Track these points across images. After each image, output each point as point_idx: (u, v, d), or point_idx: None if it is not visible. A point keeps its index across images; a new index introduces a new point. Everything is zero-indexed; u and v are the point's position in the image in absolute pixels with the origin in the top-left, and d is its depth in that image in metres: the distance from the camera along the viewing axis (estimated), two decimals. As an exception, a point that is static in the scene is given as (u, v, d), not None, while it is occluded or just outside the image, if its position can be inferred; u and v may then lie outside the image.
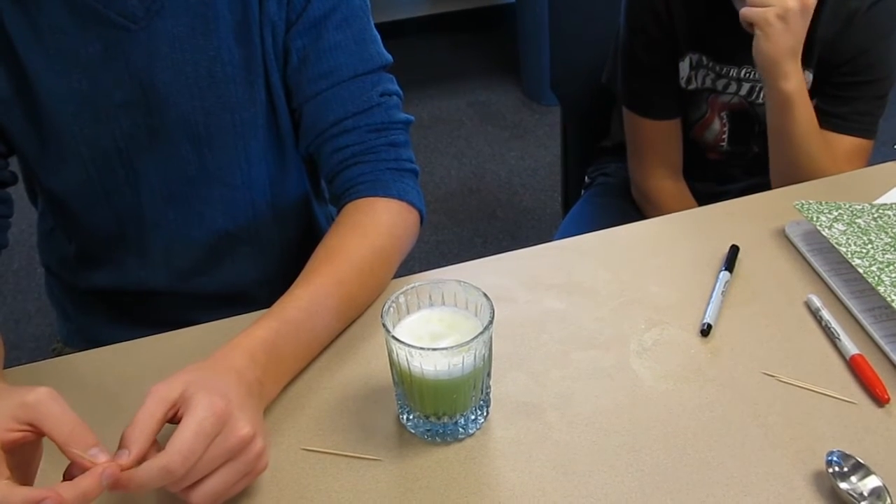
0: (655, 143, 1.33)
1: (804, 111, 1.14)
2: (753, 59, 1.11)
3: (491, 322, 0.68)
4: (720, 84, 1.26)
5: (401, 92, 0.97)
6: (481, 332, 0.67)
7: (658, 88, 1.29)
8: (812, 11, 1.06)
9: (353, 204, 0.92)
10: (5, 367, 0.79)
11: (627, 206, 1.42)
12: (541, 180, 2.75)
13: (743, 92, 1.25)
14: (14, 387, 0.62)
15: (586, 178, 1.60)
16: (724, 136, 1.32)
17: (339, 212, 0.94)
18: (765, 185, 1.21)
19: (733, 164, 1.36)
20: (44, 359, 0.87)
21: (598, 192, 1.52)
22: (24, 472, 0.62)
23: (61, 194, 0.99)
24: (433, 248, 2.45)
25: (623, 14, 1.29)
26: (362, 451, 0.73)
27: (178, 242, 1.02)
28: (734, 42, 1.20)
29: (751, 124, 1.29)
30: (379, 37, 0.96)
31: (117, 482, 0.58)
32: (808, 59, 1.18)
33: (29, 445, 0.61)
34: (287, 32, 0.92)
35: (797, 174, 1.14)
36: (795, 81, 1.11)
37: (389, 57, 0.97)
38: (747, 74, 1.23)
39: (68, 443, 0.57)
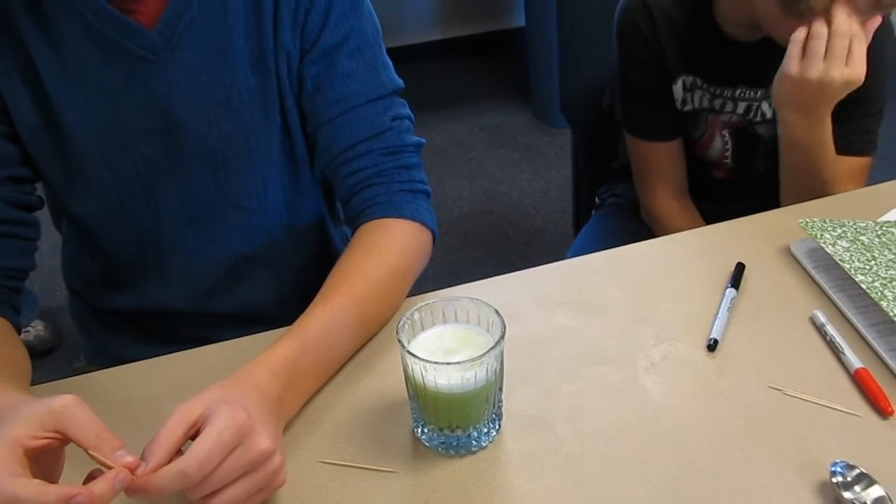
0: (658, 165, 1.35)
1: (816, 150, 1.16)
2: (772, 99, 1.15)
3: (502, 337, 0.71)
4: (717, 104, 1.28)
5: (412, 116, 1.00)
6: (493, 347, 0.70)
7: (655, 111, 1.32)
8: (852, 89, 1.08)
9: (367, 225, 0.95)
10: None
11: (638, 225, 1.44)
12: (552, 202, 2.78)
13: (740, 111, 1.28)
14: (38, 398, 0.65)
15: (597, 198, 1.62)
16: (728, 153, 1.34)
17: (353, 233, 0.96)
18: (773, 205, 1.22)
19: (740, 183, 1.38)
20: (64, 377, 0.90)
21: (609, 212, 1.54)
22: (47, 480, 0.64)
23: (85, 219, 1.02)
24: (446, 269, 2.48)
25: (615, 41, 1.32)
26: (378, 463, 0.75)
27: (197, 264, 1.05)
28: (726, 62, 1.23)
29: (753, 142, 1.31)
30: (390, 62, 1.00)
31: (136, 485, 0.60)
32: None
33: (52, 454, 0.63)
34: (301, 61, 0.95)
35: (806, 196, 1.16)
36: (807, 129, 1.14)
37: (401, 82, 1.00)
38: (742, 94, 1.26)
39: (96, 447, 0.59)
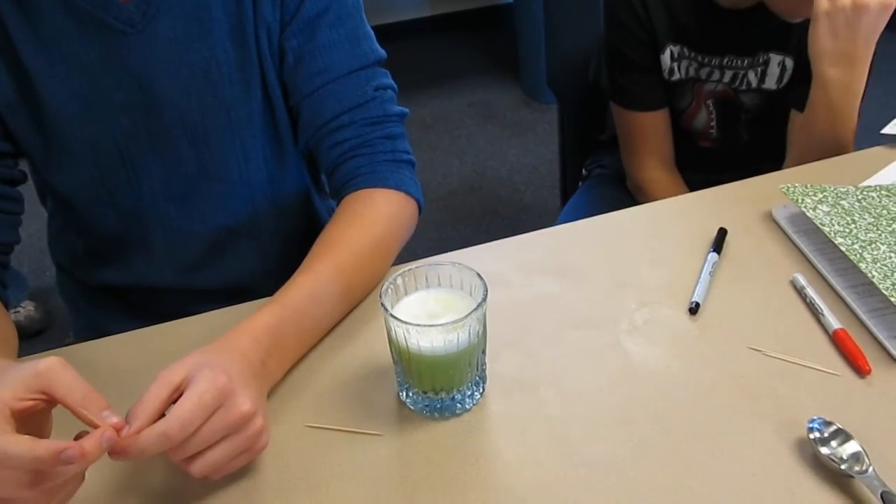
0: (645, 135, 1.36)
1: (842, 119, 1.14)
2: (808, 49, 1.11)
3: (484, 299, 0.72)
4: (703, 73, 1.29)
5: (395, 86, 1.00)
6: (475, 309, 0.70)
7: (642, 81, 1.32)
8: (888, 17, 1.04)
9: (352, 195, 0.96)
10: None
11: (623, 196, 1.45)
12: (541, 177, 2.79)
13: (726, 79, 1.28)
14: (23, 361, 0.65)
15: (584, 170, 1.63)
16: (713, 123, 1.35)
17: (338, 203, 0.97)
18: (759, 174, 1.23)
19: (725, 152, 1.39)
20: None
21: (595, 183, 1.55)
22: None
23: (67, 194, 1.03)
24: (436, 245, 2.48)
25: (602, 10, 1.32)
26: (364, 427, 0.76)
27: (181, 238, 1.06)
28: (714, 31, 1.22)
29: (737, 112, 1.32)
30: (372, 33, 1.00)
31: (119, 447, 0.60)
32: (788, 44, 1.21)
33: (39, 416, 0.63)
34: (282, 33, 0.95)
35: (822, 154, 1.14)
36: (841, 88, 1.11)
37: (383, 52, 1.00)
38: (729, 62, 1.26)
39: (82, 406, 0.60)
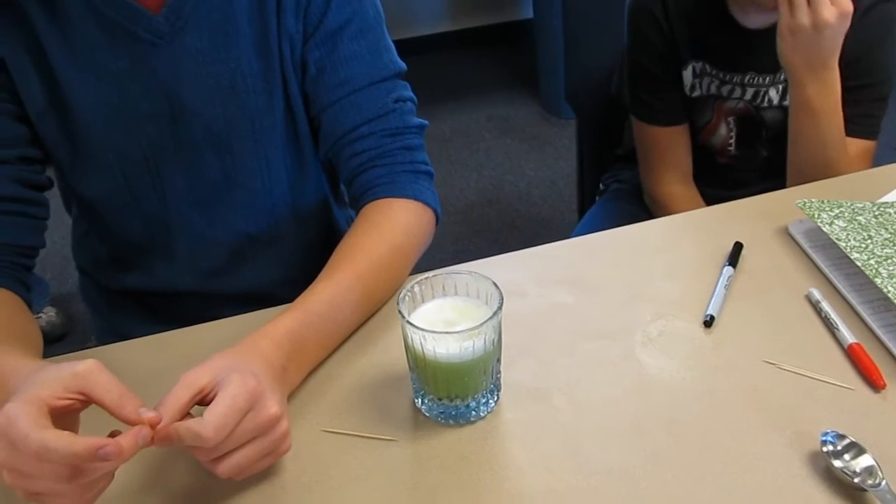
0: (664, 150, 1.37)
1: (826, 118, 1.15)
2: (779, 61, 1.13)
3: (500, 307, 0.73)
4: (725, 90, 1.29)
5: (415, 98, 1.02)
6: (491, 317, 0.71)
7: (663, 96, 1.33)
8: (849, 23, 1.06)
9: (371, 205, 0.97)
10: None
11: (640, 210, 1.46)
12: (559, 191, 2.79)
13: (748, 97, 1.29)
14: (61, 362, 0.67)
15: (601, 185, 1.63)
16: (732, 140, 1.35)
17: (357, 213, 0.98)
18: (776, 190, 1.24)
19: (743, 168, 1.39)
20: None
21: (612, 197, 1.56)
22: None
23: (93, 200, 1.05)
24: (453, 257, 2.49)
25: (626, 25, 1.33)
26: (379, 432, 0.77)
27: (203, 245, 1.08)
28: (736, 49, 1.23)
29: (757, 129, 1.32)
30: (393, 45, 1.01)
31: (158, 433, 0.63)
32: None
33: (69, 418, 0.65)
34: (304, 44, 0.97)
35: (814, 177, 1.16)
36: (818, 89, 1.13)
37: (403, 65, 1.01)
38: (751, 80, 1.27)
39: (120, 406, 0.62)
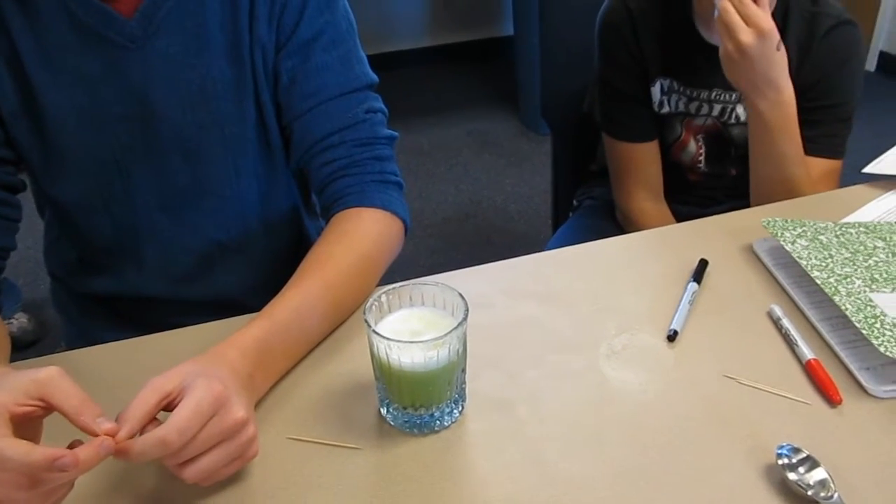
0: (634, 166, 1.39)
1: (780, 134, 1.18)
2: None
3: (465, 318, 0.73)
4: (693, 107, 1.32)
5: (385, 110, 1.03)
6: (455, 328, 0.72)
7: (633, 113, 1.35)
8: (776, 40, 1.10)
9: (340, 214, 0.98)
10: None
11: (612, 227, 1.48)
12: (535, 207, 2.82)
13: (715, 113, 1.31)
14: (22, 369, 0.67)
15: (574, 201, 1.65)
16: (701, 157, 1.38)
17: (327, 222, 0.99)
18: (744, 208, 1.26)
19: (714, 186, 1.42)
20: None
21: (585, 213, 1.57)
22: None
23: (64, 203, 1.05)
24: (427, 271, 2.46)
25: (596, 42, 1.35)
26: (344, 440, 0.78)
27: (172, 251, 1.08)
28: (703, 66, 1.26)
29: (726, 146, 1.35)
30: (365, 57, 1.03)
31: (119, 450, 0.62)
32: None
33: (32, 425, 0.65)
34: (277, 54, 0.98)
35: (776, 195, 1.19)
36: (768, 106, 1.15)
37: (375, 77, 1.03)
38: (717, 96, 1.29)
39: (79, 414, 0.62)
